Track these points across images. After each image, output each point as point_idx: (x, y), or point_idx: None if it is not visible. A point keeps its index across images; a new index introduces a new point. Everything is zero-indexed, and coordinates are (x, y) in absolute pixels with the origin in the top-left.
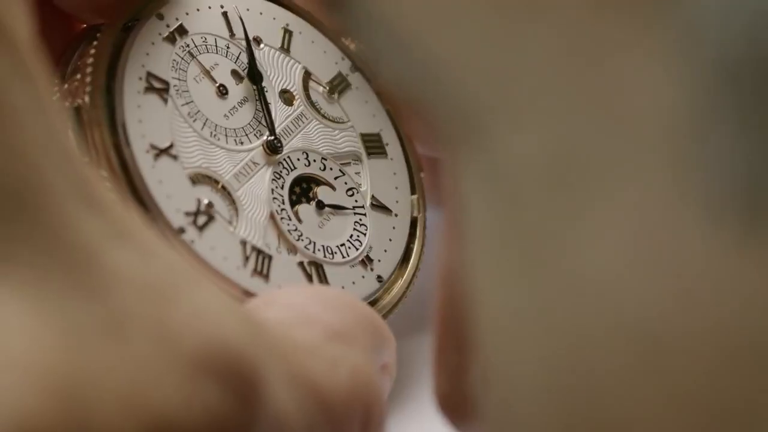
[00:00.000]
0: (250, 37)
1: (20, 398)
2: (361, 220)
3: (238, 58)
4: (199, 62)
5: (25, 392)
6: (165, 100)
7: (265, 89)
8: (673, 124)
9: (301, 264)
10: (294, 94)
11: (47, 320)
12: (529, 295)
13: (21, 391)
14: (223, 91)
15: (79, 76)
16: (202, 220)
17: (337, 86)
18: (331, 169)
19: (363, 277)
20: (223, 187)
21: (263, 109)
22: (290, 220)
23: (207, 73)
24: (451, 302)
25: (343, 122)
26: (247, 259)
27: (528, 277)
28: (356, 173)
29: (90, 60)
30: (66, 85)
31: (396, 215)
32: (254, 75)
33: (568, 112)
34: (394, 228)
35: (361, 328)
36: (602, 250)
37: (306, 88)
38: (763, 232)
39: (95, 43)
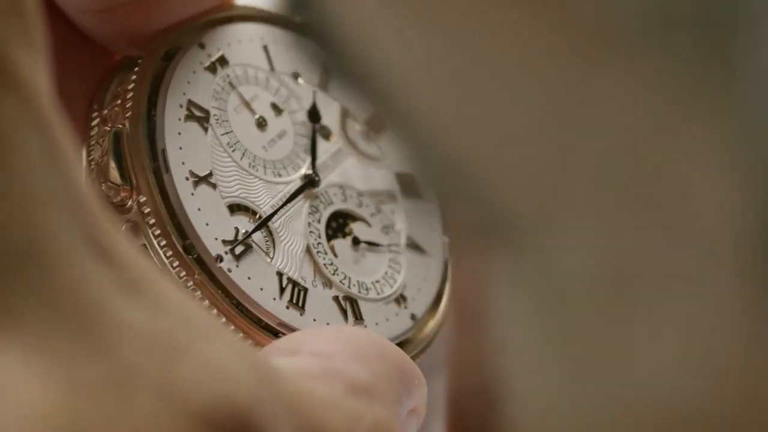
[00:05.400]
0: (289, 72)
1: None
2: (395, 258)
3: (277, 91)
4: (240, 93)
5: None
6: (205, 129)
7: (304, 123)
8: (740, 236)
9: (336, 298)
10: (332, 130)
11: (51, 376)
12: (574, 403)
13: None
14: (262, 123)
15: (119, 101)
16: (239, 249)
17: (374, 126)
18: (367, 206)
19: (396, 314)
20: (261, 218)
21: (309, 144)
22: (326, 254)
23: (247, 104)
24: (467, 393)
25: (379, 160)
26: (282, 290)
27: (576, 385)
28: (391, 212)
29: (131, 86)
30: (105, 111)
31: (430, 256)
32: (315, 114)
33: (626, 222)
34: (428, 268)
35: (389, 379)
36: (656, 360)
37: (344, 124)
38: None
39: (136, 69)
